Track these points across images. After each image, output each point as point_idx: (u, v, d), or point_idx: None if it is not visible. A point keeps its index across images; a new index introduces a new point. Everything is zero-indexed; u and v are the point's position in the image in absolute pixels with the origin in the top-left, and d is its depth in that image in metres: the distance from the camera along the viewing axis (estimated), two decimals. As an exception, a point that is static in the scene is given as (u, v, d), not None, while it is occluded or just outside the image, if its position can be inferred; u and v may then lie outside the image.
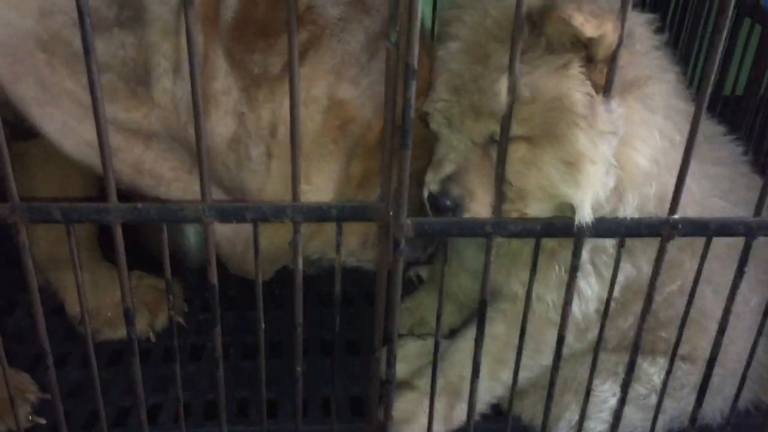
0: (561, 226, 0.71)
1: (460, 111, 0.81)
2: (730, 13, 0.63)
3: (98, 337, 1.10)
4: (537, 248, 0.72)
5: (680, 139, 0.78)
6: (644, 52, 0.82)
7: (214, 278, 0.69)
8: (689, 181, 0.70)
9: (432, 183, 0.83)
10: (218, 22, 0.78)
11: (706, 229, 0.72)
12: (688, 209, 0.81)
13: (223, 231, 0.89)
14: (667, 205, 0.70)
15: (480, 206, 0.81)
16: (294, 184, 0.66)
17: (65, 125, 0.79)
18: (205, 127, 0.65)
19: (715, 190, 0.92)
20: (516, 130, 0.74)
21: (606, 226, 0.72)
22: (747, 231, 0.72)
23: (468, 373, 0.78)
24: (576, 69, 0.75)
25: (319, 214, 0.68)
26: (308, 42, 0.80)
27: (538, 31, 0.76)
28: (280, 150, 0.81)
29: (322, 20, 0.80)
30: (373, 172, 0.88)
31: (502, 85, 0.73)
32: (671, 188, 0.70)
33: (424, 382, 0.95)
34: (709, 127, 0.98)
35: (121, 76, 0.78)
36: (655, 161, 0.80)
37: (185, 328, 1.15)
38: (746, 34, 1.27)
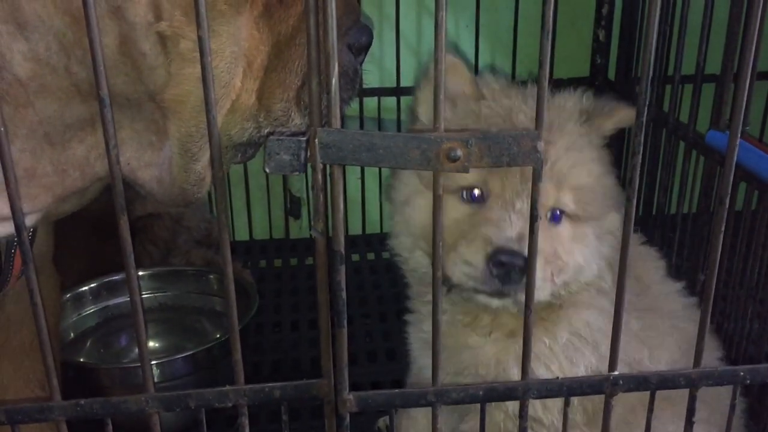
0: (504, 391, 0.72)
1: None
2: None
3: None
4: (483, 413, 0.73)
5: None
6: None
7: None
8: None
9: (500, 239, 0.82)
10: None
11: (647, 384, 0.73)
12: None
13: (145, 175, 0.81)
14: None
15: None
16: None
17: None
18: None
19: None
20: (576, 210, 0.88)
21: (549, 387, 0.73)
22: (688, 382, 0.73)
23: None
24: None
25: (262, 396, 0.69)
26: None
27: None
28: (171, 27, 0.72)
29: None
30: (295, 32, 0.77)
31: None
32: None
33: None
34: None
35: None
36: None
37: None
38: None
